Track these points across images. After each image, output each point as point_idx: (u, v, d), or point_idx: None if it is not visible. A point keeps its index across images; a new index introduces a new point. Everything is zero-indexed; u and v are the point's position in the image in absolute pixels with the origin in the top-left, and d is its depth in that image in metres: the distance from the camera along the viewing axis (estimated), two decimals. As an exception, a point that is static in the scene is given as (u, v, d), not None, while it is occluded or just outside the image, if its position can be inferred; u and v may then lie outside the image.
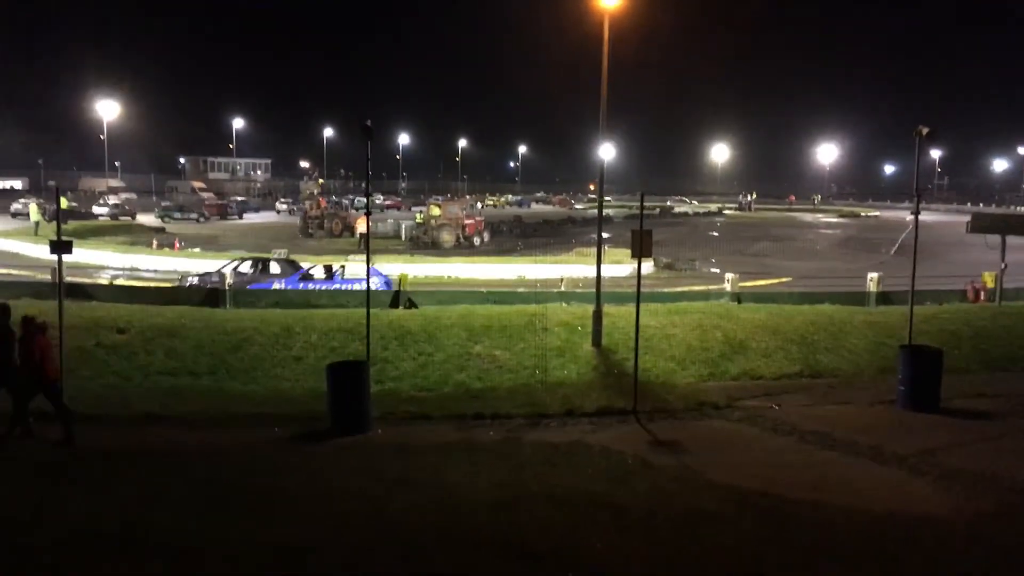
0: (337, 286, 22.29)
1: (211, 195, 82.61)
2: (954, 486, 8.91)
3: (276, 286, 22.54)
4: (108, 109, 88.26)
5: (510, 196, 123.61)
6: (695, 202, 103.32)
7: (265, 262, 24.97)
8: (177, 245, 38.91)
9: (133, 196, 74.34)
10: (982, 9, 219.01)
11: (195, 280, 23.27)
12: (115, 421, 11.24)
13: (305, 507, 8.15)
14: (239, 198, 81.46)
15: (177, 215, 62.47)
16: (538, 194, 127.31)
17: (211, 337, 15.19)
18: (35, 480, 8.98)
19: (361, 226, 44.10)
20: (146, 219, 59.56)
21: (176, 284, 23.43)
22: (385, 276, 23.81)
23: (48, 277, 19.73)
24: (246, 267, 24.16)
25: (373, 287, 22.23)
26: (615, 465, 9.64)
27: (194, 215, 63.30)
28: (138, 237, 44.40)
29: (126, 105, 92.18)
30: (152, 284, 24.60)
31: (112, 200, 69.22)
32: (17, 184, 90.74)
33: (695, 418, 11.88)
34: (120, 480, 8.94)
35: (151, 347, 14.77)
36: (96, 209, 63.21)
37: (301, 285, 22.63)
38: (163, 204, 68.31)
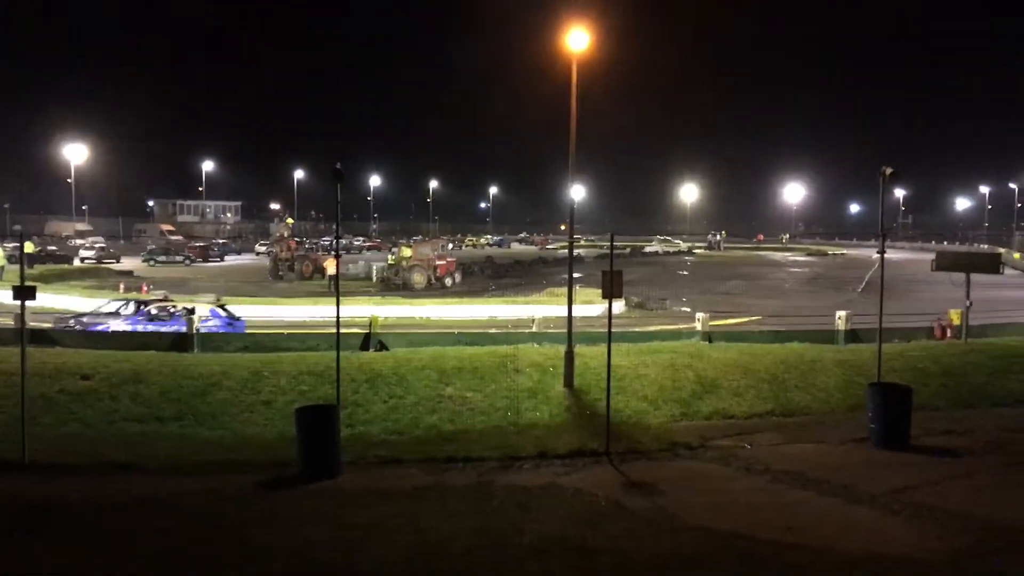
0: (175, 327, 21.84)
1: (184, 238, 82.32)
2: (928, 525, 8.90)
3: (114, 326, 22.33)
4: (75, 152, 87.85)
5: (489, 236, 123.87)
6: (670, 239, 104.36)
7: (140, 303, 24.55)
8: (145, 289, 38.48)
9: (103, 241, 73.95)
10: (942, 51, 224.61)
11: (72, 323, 22.99)
12: (79, 470, 10.98)
13: (274, 558, 7.97)
14: (221, 240, 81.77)
15: (162, 258, 62.74)
16: (521, 234, 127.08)
17: (178, 382, 14.97)
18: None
19: (331, 268, 44.09)
20: (132, 262, 59.56)
21: (53, 326, 22.62)
22: (227, 317, 23.63)
23: (11, 323, 19.41)
24: (129, 308, 23.86)
25: (214, 327, 22.22)
26: (588, 508, 9.55)
27: (179, 258, 63.44)
28: (105, 281, 43.91)
29: (94, 148, 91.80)
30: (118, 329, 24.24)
31: (98, 244, 69.50)
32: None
33: (668, 459, 11.83)
34: (82, 534, 8.71)
35: (116, 393, 14.52)
36: (83, 252, 63.77)
37: (142, 327, 22.31)
38: (148, 248, 68.66)
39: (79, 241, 73.45)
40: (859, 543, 8.39)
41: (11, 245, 49.81)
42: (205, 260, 66.36)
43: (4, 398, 13.67)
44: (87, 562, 7.80)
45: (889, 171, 13.06)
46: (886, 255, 13.93)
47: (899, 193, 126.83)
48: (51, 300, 31.18)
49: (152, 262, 61.63)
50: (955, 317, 21.77)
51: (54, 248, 59.90)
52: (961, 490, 10.31)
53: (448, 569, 7.68)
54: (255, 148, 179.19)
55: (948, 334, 21.74)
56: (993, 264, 21.82)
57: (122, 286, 39.13)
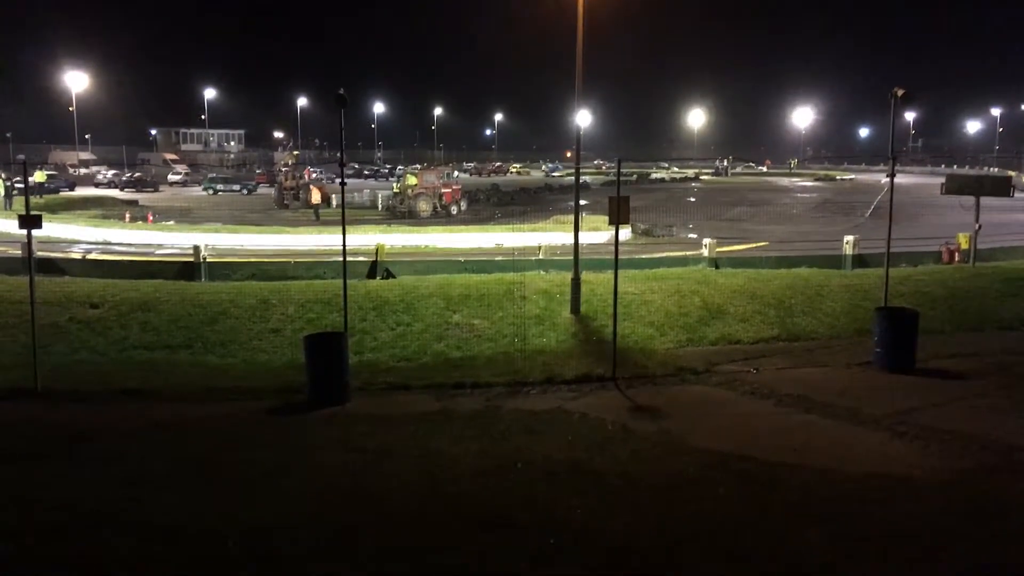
0: None
1: (187, 167, 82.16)
2: (932, 446, 8.98)
3: None
4: (77, 81, 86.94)
5: (547, 164, 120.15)
6: (674, 168, 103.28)
7: None
8: (150, 218, 38.50)
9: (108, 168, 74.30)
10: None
11: None
12: (91, 397, 11.09)
13: (284, 482, 8.09)
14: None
15: (221, 187, 63.46)
16: (595, 161, 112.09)
17: (186, 310, 15.05)
18: (9, 461, 8.85)
19: (315, 196, 43.60)
20: (194, 190, 63.93)
21: None
22: None
23: (19, 252, 19.45)
24: None
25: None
26: (595, 432, 9.64)
27: (237, 187, 63.78)
28: (110, 210, 43.90)
29: (95, 76, 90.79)
30: (125, 258, 24.32)
31: (182, 169, 72.77)
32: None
33: (674, 383, 11.88)
34: (95, 458, 8.84)
35: (126, 321, 14.62)
36: (171, 177, 71.10)
37: None
38: (209, 176, 70.32)
39: (104, 172, 74.85)
40: (862, 464, 8.48)
41: (17, 179, 49.83)
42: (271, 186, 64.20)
43: (15, 327, 13.78)
44: (100, 485, 7.93)
45: (900, 92, 12.85)
46: (895, 180, 13.79)
47: (909, 116, 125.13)
48: (58, 230, 31.18)
49: (212, 190, 62.38)
50: (963, 241, 21.71)
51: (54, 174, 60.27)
52: (965, 412, 10.37)
53: (457, 492, 7.79)
54: (257, 76, 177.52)
55: (956, 258, 21.70)
56: (1003, 187, 21.62)
57: (127, 215, 39.11)
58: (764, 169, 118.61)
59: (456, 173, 58.27)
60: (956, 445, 9.00)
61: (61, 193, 55.05)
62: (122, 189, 66.01)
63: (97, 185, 69.74)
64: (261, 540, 6.71)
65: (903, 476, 8.16)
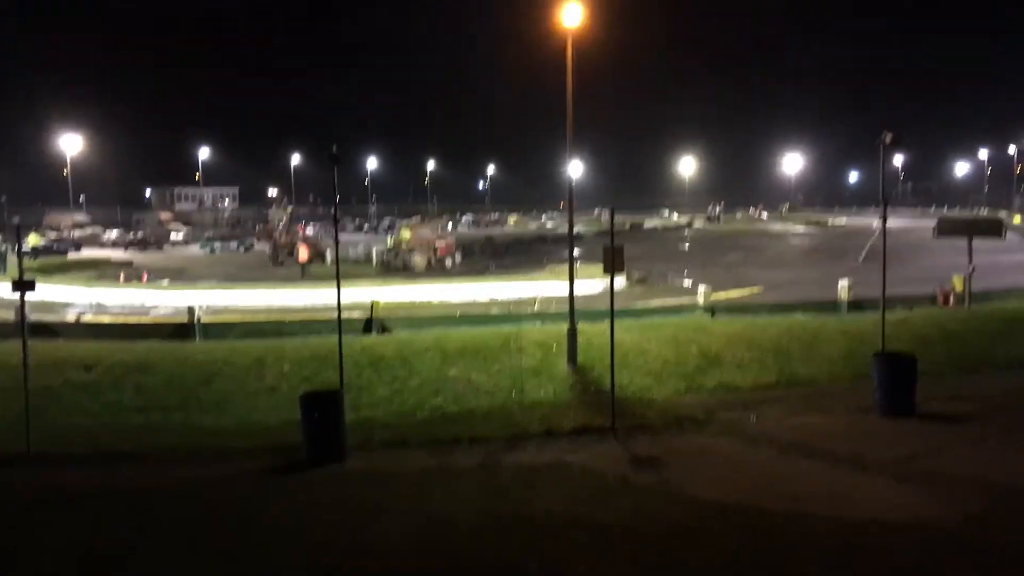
0: None
1: (183, 225, 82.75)
2: (937, 491, 8.89)
3: None
4: (71, 143, 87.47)
5: (547, 214, 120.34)
6: (674, 214, 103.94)
7: None
8: (145, 278, 38.49)
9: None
10: (939, 17, 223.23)
11: None
12: (84, 461, 10.98)
13: (282, 542, 7.96)
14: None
15: (218, 245, 64.69)
16: (595, 211, 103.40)
17: (181, 371, 14.97)
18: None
19: (303, 253, 43.19)
20: (192, 249, 65.18)
21: None
22: None
23: (12, 316, 19.39)
24: None
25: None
26: (596, 484, 9.53)
27: (234, 244, 64.25)
28: (105, 271, 43.90)
29: (90, 138, 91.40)
30: (119, 319, 24.26)
31: (183, 228, 73.59)
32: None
33: (674, 433, 11.79)
34: (90, 522, 8.70)
35: (120, 384, 14.53)
36: (173, 236, 72.52)
37: None
38: (207, 235, 72.08)
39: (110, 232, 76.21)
40: (866, 511, 8.37)
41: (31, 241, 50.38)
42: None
43: (8, 391, 13.64)
44: (97, 548, 7.78)
45: (889, 137, 12.94)
46: (887, 223, 13.84)
47: (898, 160, 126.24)
48: (53, 292, 31.13)
49: (209, 249, 62.76)
50: (957, 283, 21.76)
51: (50, 237, 60.92)
52: (967, 455, 10.28)
53: (456, 549, 7.67)
54: (251, 134, 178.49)
55: (951, 300, 21.72)
56: (996, 229, 21.77)
57: (122, 276, 39.10)
58: (755, 215, 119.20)
59: (450, 226, 58.52)
60: (960, 489, 8.91)
61: (69, 255, 55.74)
62: (126, 249, 67.12)
63: (102, 246, 70.36)
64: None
65: (907, 522, 8.05)
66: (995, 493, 8.80)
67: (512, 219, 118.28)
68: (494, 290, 30.58)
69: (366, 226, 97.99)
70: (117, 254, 60.56)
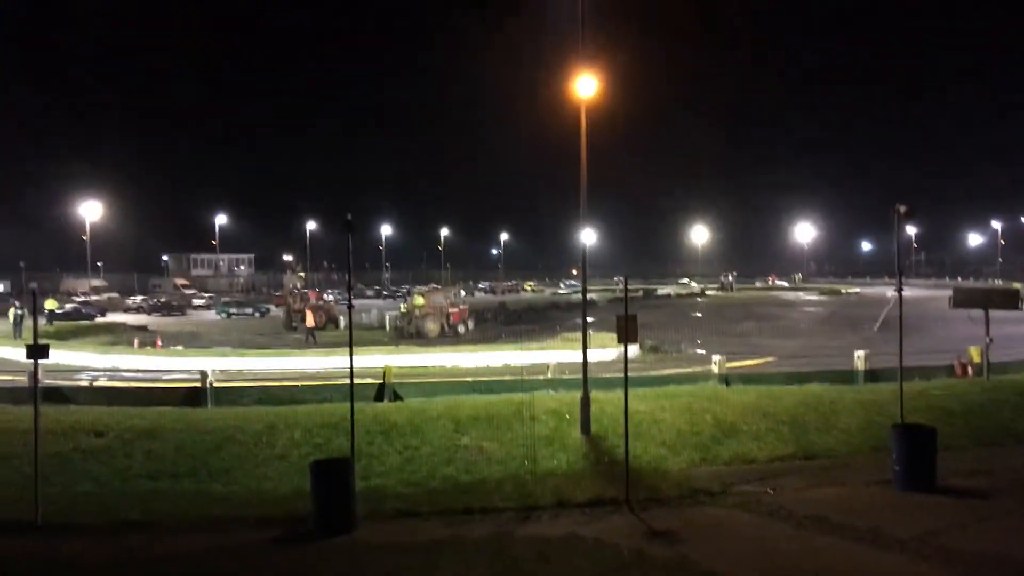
0: None
1: (198, 292, 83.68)
2: (959, 569, 8.68)
3: None
4: (90, 210, 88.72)
5: (564, 282, 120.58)
6: (692, 281, 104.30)
7: None
8: (159, 343, 38.60)
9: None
10: (952, 87, 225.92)
11: None
12: (92, 530, 10.84)
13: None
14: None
15: (234, 310, 65.86)
16: (615, 279, 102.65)
17: (191, 438, 14.88)
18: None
19: (310, 319, 42.81)
20: (209, 314, 67.06)
21: None
22: None
23: (25, 381, 19.42)
24: None
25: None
26: (610, 558, 9.35)
27: (249, 310, 65.29)
28: (119, 336, 44.06)
29: (108, 204, 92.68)
30: (132, 385, 24.27)
31: (205, 295, 79.70)
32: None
33: (689, 505, 11.60)
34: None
35: (130, 450, 14.44)
36: (195, 301, 75.37)
37: None
38: (223, 300, 73.28)
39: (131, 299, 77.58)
40: (889, 590, 8.17)
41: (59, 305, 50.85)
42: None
43: (18, 457, 13.59)
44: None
45: (903, 209, 12.97)
46: (902, 293, 13.79)
47: (911, 231, 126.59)
48: (67, 357, 31.23)
49: (225, 314, 63.37)
50: (975, 354, 21.54)
51: (70, 305, 61.67)
52: (990, 532, 10.06)
53: (468, 625, 7.49)
54: (267, 201, 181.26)
55: (969, 371, 21.49)
56: (1011, 300, 21.58)
57: (136, 341, 39.21)
58: (770, 283, 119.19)
59: (463, 293, 58.67)
60: (984, 568, 8.71)
61: (96, 319, 57.11)
62: (150, 313, 69.04)
63: (126, 310, 71.67)
64: None
65: (933, 602, 7.84)
66: (1021, 571, 8.57)
67: (528, 286, 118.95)
68: (507, 357, 30.48)
69: (374, 290, 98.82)
70: (139, 318, 61.45)
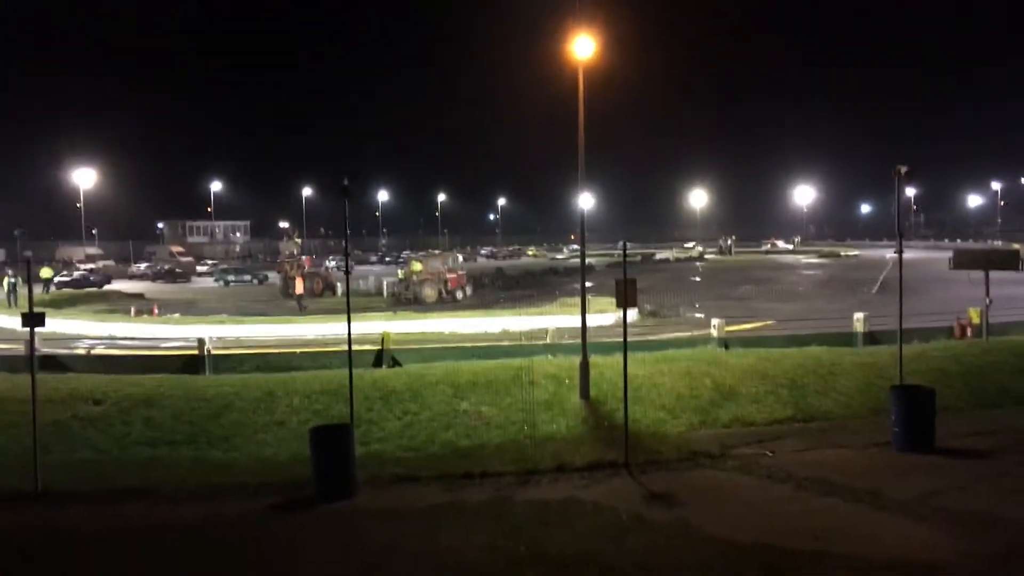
0: None
1: (194, 259, 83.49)
2: (958, 530, 8.68)
3: None
4: (84, 177, 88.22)
5: (568, 247, 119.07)
6: (697, 245, 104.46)
7: None
8: (155, 311, 38.50)
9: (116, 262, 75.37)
10: (951, 51, 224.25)
11: None
12: (91, 497, 10.85)
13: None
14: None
15: (232, 278, 65.22)
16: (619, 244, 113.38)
17: (190, 405, 14.85)
18: (5, 568, 8.57)
19: (299, 287, 42.03)
20: (206, 282, 66.68)
21: None
22: None
23: (22, 349, 19.36)
24: None
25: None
26: (609, 522, 9.35)
27: (247, 276, 65.39)
28: (116, 304, 43.94)
29: (102, 171, 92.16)
30: (130, 353, 24.24)
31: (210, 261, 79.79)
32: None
33: (688, 468, 11.61)
34: (96, 563, 8.55)
35: (128, 418, 14.42)
36: (199, 268, 75.16)
37: None
38: (221, 268, 72.39)
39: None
40: (887, 550, 8.20)
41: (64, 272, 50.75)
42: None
43: (16, 426, 13.58)
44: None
45: (904, 170, 12.86)
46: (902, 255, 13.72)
47: (911, 192, 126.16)
48: (63, 325, 31.15)
49: (223, 282, 63.20)
50: (974, 316, 21.50)
51: (62, 273, 61.50)
52: (989, 493, 10.08)
53: (468, 590, 7.50)
54: (262, 167, 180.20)
55: (968, 333, 21.47)
56: (1012, 261, 21.52)
57: (133, 309, 39.10)
58: (770, 246, 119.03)
59: (460, 258, 58.45)
60: (983, 528, 8.72)
61: (104, 287, 57.44)
62: (155, 281, 69.09)
63: (131, 278, 71.79)
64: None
65: (931, 563, 7.86)
66: (1017, 532, 8.60)
67: (531, 251, 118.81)
68: (505, 323, 30.43)
69: (377, 256, 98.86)
70: (143, 285, 61.91)
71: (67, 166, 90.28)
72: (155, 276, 71.89)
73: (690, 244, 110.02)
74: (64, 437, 13.56)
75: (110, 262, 79.52)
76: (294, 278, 47.61)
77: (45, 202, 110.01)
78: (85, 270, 66.17)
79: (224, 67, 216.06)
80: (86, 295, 49.81)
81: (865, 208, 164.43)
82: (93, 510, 10.48)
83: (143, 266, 78.61)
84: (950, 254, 23.26)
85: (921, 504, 9.57)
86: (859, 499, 9.92)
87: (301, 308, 39.16)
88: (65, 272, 63.86)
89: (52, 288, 51.07)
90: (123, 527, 9.77)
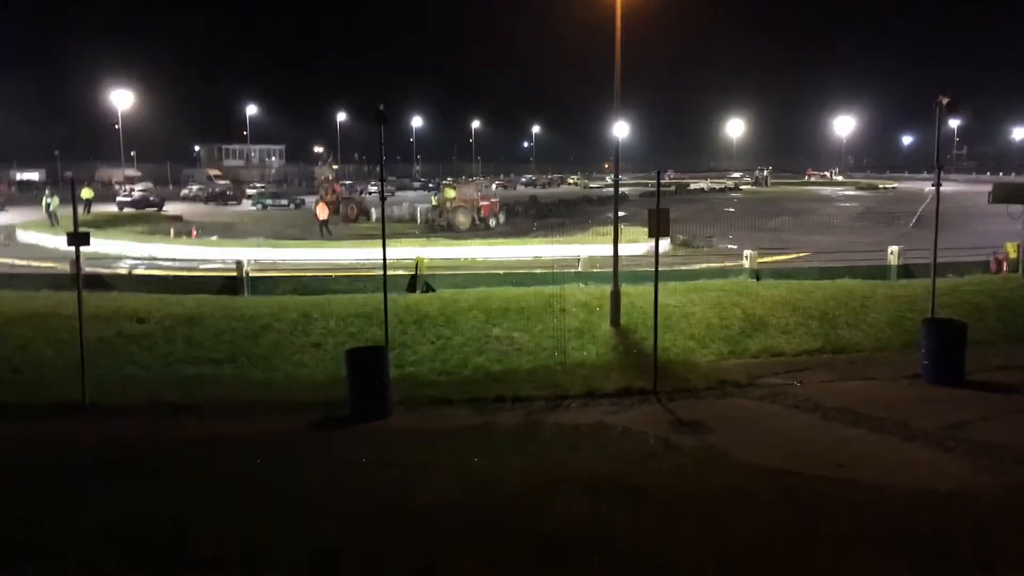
0: None
1: (229, 182, 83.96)
2: (983, 460, 8.79)
3: None
4: (122, 99, 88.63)
5: (610, 177, 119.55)
6: (744, 175, 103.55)
7: None
8: (194, 233, 39.05)
9: (150, 185, 76.05)
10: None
11: None
12: (138, 412, 11.26)
13: (329, 501, 8.05)
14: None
15: (270, 202, 66.02)
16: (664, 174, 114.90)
17: (230, 325, 15.23)
18: (60, 475, 8.98)
19: (322, 213, 41.23)
20: (245, 205, 68.71)
21: None
22: None
23: (67, 268, 19.85)
24: None
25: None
26: (637, 446, 9.57)
27: (284, 201, 66.24)
28: (156, 226, 44.56)
29: (140, 94, 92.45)
30: (170, 273, 24.72)
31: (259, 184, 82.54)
32: (34, 176, 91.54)
33: (716, 397, 11.77)
34: (142, 472, 8.93)
35: (171, 336, 14.83)
36: (248, 191, 75.36)
37: None
38: (259, 191, 73.07)
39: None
40: (911, 479, 8.34)
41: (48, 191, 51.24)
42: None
43: (64, 342, 14.05)
44: (144, 502, 7.99)
45: (946, 100, 12.62)
46: (940, 188, 13.58)
47: (953, 124, 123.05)
48: (105, 246, 31.74)
49: (261, 206, 63.87)
50: (1011, 250, 21.27)
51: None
52: (1015, 425, 10.17)
53: (500, 507, 7.77)
54: (298, 92, 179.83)
55: (1004, 268, 21.27)
56: (1052, 195, 21.18)
57: (172, 231, 39.68)
58: (808, 178, 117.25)
59: (494, 186, 58.28)
60: (1008, 459, 8.82)
61: (164, 209, 59.41)
62: (207, 203, 71.50)
63: (183, 199, 74.21)
64: (308, 561, 6.73)
65: (954, 491, 8.00)
66: (1042, 464, 8.69)
67: (572, 179, 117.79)
68: (537, 251, 30.54)
69: (420, 181, 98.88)
70: (190, 207, 63.99)
71: (105, 88, 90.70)
72: (208, 198, 73.76)
73: (737, 174, 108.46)
74: (110, 354, 13.99)
75: (148, 183, 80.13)
76: (335, 202, 47.71)
77: (84, 123, 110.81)
78: (143, 190, 67.33)
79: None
80: (126, 216, 50.55)
81: (907, 140, 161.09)
82: (139, 422, 10.89)
83: (195, 188, 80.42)
84: (990, 188, 22.90)
85: (946, 435, 9.67)
86: (885, 429, 10.04)
87: (323, 234, 39.09)
88: (126, 192, 65.62)
89: (92, 209, 51.72)
90: (168, 439, 10.15)
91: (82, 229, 11.81)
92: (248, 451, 9.68)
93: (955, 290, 17.07)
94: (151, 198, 63.37)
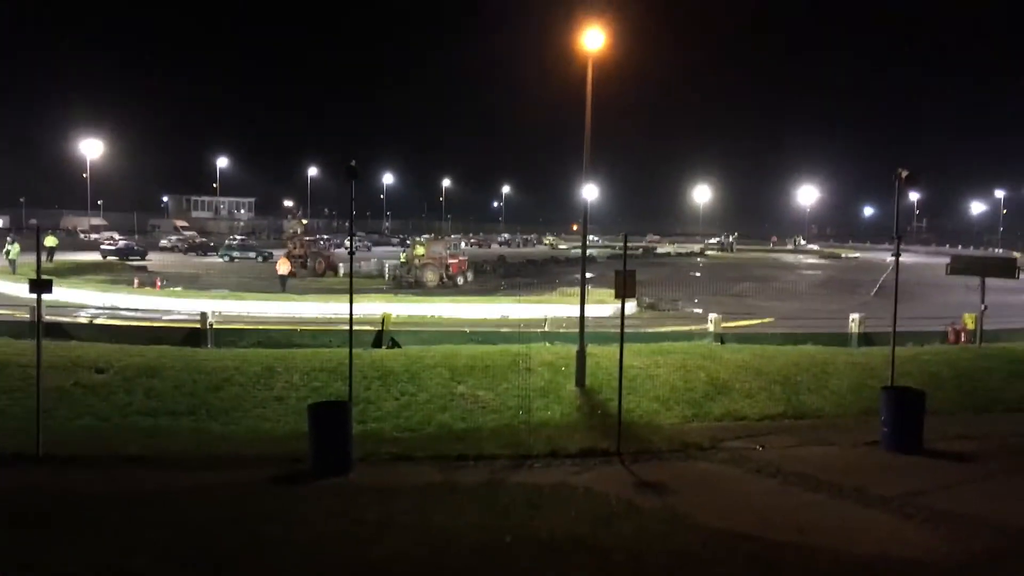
0: None
1: (197, 234, 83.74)
2: (942, 529, 8.86)
3: None
4: (91, 147, 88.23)
5: (596, 238, 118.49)
6: (716, 239, 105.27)
7: None
8: (158, 284, 38.68)
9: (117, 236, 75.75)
10: (956, 56, 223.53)
11: None
12: (92, 463, 11.02)
13: (285, 553, 7.98)
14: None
15: (237, 254, 65.64)
16: (648, 237, 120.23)
17: (191, 377, 15.04)
18: (8, 529, 8.75)
19: (282, 268, 41.26)
20: (210, 257, 67.60)
21: None
22: None
23: (27, 316, 19.56)
24: None
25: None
26: (600, 507, 9.53)
27: (252, 254, 65.93)
28: (119, 275, 44.12)
29: (108, 143, 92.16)
30: (132, 323, 24.41)
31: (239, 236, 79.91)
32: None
33: (680, 459, 11.79)
34: (94, 527, 8.73)
35: (130, 387, 14.60)
36: (227, 241, 71.96)
37: None
38: (226, 243, 72.50)
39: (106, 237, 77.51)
40: (871, 546, 8.36)
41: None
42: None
43: (20, 391, 13.78)
44: (97, 555, 7.81)
45: (905, 174, 12.96)
46: (900, 259, 13.87)
47: (914, 196, 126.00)
48: (66, 295, 31.31)
49: (228, 257, 63.46)
50: (969, 321, 21.68)
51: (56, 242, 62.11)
52: (974, 494, 10.25)
53: (458, 567, 7.69)
54: (269, 146, 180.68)
55: (962, 338, 21.65)
56: (1009, 268, 21.67)
57: (136, 280, 39.28)
58: (773, 245, 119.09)
59: (462, 244, 58.61)
60: (966, 528, 8.89)
61: (148, 258, 60.15)
62: (185, 253, 72.06)
63: (161, 250, 74.40)
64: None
65: (913, 559, 8.04)
66: (1001, 533, 8.78)
67: (549, 240, 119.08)
68: (505, 309, 30.61)
69: (399, 238, 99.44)
70: (173, 258, 64.95)
71: (74, 136, 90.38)
72: (186, 249, 74.27)
73: (713, 240, 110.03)
74: (66, 403, 13.73)
75: (114, 232, 79.59)
76: (303, 256, 47.71)
77: (51, 170, 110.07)
78: (127, 240, 67.04)
79: (232, 45, 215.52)
80: (90, 264, 50.02)
81: (868, 211, 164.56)
82: (94, 474, 10.64)
83: (173, 238, 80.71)
84: (948, 260, 23.41)
85: (905, 503, 9.73)
86: (845, 495, 10.10)
87: (283, 287, 38.76)
88: (111, 242, 65.76)
89: (55, 257, 51.15)
90: (123, 492, 9.93)
91: (44, 277, 11.67)
92: (203, 506, 9.51)
93: (914, 359, 17.32)
94: (135, 247, 63.63)
